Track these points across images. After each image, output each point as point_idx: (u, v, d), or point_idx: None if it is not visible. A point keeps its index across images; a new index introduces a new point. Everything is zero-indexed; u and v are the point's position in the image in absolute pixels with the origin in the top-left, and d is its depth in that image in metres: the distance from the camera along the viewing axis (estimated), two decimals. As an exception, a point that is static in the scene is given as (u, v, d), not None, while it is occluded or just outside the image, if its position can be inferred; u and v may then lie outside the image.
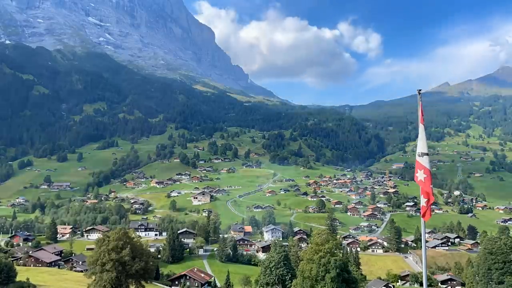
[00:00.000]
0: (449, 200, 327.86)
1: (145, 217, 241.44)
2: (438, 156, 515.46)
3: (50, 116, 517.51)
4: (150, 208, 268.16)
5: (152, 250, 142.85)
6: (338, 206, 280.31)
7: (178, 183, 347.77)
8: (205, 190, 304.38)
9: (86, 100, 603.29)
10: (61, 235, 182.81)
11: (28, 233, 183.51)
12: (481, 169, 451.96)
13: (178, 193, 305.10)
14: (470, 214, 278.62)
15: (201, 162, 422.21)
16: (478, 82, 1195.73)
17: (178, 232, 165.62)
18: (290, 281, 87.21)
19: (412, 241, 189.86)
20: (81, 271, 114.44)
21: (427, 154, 13.55)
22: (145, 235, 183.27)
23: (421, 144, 13.62)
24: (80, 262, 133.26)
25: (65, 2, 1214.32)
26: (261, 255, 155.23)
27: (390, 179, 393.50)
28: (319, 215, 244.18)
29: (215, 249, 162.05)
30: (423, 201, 13.57)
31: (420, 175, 13.58)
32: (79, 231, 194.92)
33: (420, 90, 13.93)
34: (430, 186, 13.47)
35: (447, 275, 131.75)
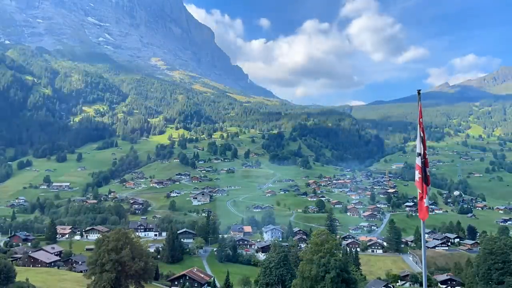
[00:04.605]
0: (448, 200, 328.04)
1: (144, 217, 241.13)
2: (438, 156, 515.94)
3: (49, 116, 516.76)
4: (149, 208, 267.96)
5: (152, 250, 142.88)
6: (337, 206, 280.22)
7: (178, 183, 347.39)
8: (205, 190, 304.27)
9: (86, 100, 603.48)
10: (60, 236, 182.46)
11: (27, 234, 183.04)
12: (481, 169, 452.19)
13: (177, 193, 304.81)
14: (469, 214, 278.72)
15: (201, 162, 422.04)
16: (478, 82, 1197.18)
17: (178, 232, 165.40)
18: (289, 282, 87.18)
19: (411, 241, 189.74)
20: (81, 272, 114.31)
21: (419, 154, 13.54)
22: (145, 235, 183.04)
23: (417, 144, 13.65)
24: (80, 263, 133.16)
25: (65, 2, 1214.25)
26: (261, 256, 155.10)
27: (389, 179, 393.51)
28: (319, 215, 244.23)
29: (214, 249, 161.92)
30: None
31: (416, 175, 13.62)
32: (78, 231, 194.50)
33: (419, 90, 13.86)
34: (422, 185, 13.46)
35: (446, 275, 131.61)
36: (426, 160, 13.61)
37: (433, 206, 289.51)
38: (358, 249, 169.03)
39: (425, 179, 13.50)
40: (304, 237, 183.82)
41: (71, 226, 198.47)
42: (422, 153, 13.47)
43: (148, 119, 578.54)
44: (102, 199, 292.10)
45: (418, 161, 13.55)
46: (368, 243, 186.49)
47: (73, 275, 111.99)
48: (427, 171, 13.62)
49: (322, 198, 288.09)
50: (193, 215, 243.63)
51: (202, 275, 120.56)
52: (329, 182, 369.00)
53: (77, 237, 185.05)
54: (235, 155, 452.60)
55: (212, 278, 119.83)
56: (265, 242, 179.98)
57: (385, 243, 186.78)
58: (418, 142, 13.61)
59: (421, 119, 13.46)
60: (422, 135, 13.47)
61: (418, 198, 13.61)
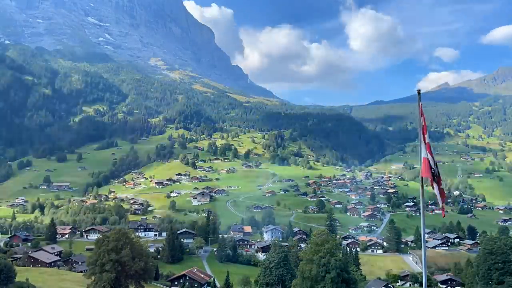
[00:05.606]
0: (448, 200, 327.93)
1: (144, 217, 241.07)
2: (438, 156, 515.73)
3: (49, 117, 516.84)
4: (149, 209, 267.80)
5: (152, 250, 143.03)
6: (337, 206, 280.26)
7: (178, 183, 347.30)
8: (205, 190, 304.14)
9: (86, 100, 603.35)
10: (60, 236, 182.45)
11: (27, 234, 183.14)
12: (481, 169, 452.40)
13: (177, 193, 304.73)
14: (469, 214, 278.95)
15: (201, 162, 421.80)
16: (478, 82, 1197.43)
17: (178, 232, 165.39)
18: (290, 282, 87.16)
19: (411, 241, 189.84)
20: (81, 272, 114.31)
21: (426, 156, 13.35)
22: (145, 235, 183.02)
23: (421, 146, 13.43)
24: (80, 263, 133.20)
25: (65, 2, 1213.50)
26: (261, 256, 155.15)
27: (389, 179, 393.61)
28: (319, 215, 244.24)
29: (214, 250, 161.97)
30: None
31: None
32: (78, 231, 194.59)
33: (419, 90, 13.80)
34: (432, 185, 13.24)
35: (446, 275, 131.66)
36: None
37: (433, 206, 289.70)
38: (358, 249, 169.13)
39: (435, 179, 13.18)
40: (304, 237, 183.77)
41: (71, 226, 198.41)
42: (427, 153, 13.23)
43: (148, 119, 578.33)
44: (102, 199, 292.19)
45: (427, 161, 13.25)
46: (368, 243, 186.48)
47: (73, 275, 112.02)
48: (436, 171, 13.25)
49: (322, 198, 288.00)
50: (193, 215, 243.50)
51: (202, 275, 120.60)
52: (329, 182, 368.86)
53: (77, 237, 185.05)
54: (235, 155, 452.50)
55: (212, 278, 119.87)
56: (265, 242, 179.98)
57: (385, 243, 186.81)
58: (421, 143, 13.41)
59: (423, 119, 13.31)
60: (423, 136, 13.25)
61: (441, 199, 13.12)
